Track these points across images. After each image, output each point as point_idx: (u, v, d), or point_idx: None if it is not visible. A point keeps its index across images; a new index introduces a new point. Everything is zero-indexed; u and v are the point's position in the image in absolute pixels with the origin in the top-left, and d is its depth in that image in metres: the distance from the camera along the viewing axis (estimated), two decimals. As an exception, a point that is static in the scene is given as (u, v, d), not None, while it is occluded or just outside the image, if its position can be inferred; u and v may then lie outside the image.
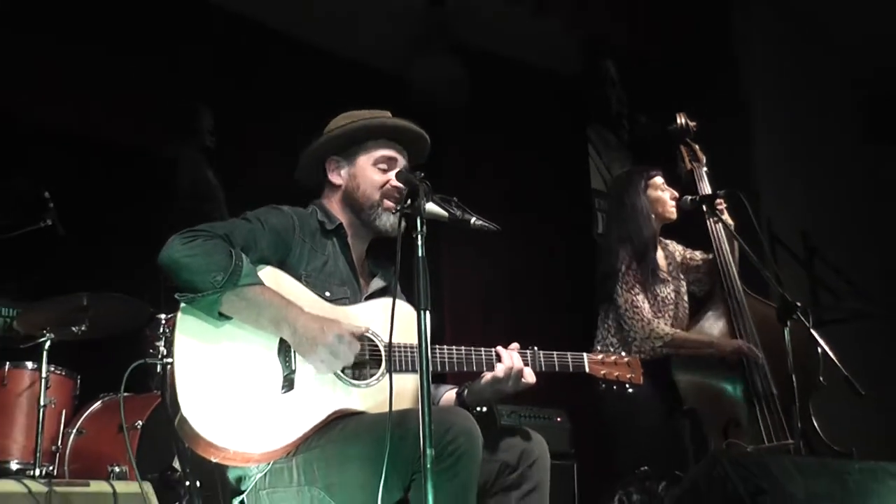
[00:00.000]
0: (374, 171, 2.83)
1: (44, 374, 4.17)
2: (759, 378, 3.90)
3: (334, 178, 2.87)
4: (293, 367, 2.47)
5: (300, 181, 2.96)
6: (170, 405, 2.43)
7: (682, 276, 4.32)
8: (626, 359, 2.90)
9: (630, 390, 2.86)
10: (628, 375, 2.86)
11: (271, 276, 2.56)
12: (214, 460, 2.43)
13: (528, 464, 2.56)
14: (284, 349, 2.50)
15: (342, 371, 2.51)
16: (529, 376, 2.67)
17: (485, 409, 2.71)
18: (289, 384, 2.45)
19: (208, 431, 2.35)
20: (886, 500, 2.67)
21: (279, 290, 2.53)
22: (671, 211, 4.27)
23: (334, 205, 2.87)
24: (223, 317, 2.45)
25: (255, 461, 2.47)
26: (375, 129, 2.86)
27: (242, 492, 2.56)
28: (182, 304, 2.46)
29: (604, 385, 2.83)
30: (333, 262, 2.75)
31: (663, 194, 4.27)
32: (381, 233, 2.83)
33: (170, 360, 2.47)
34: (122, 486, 3.70)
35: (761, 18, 6.82)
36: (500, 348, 2.69)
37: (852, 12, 6.73)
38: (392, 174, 2.79)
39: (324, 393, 2.48)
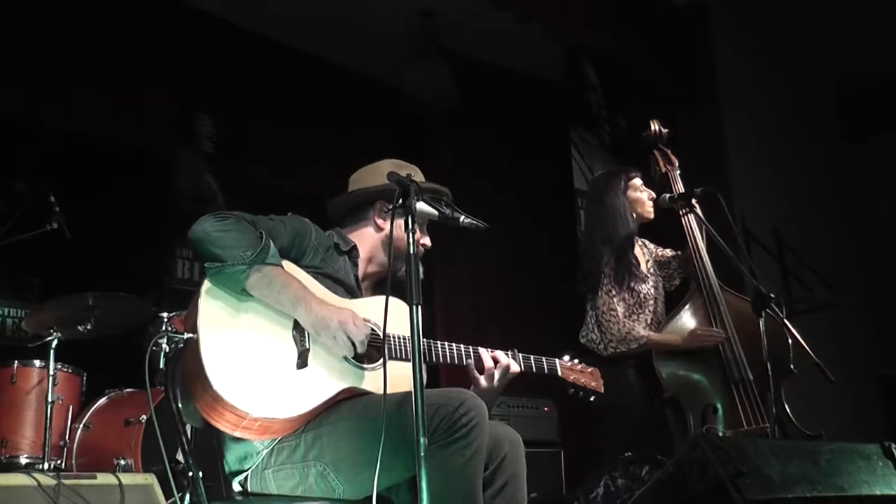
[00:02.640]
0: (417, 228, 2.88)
1: (51, 372, 4.24)
2: (735, 365, 4.01)
3: (381, 222, 2.95)
4: (307, 346, 2.57)
5: (330, 210, 3.04)
6: (190, 373, 2.49)
7: (659, 273, 4.43)
8: (589, 369, 3.09)
9: (592, 399, 3.04)
10: (592, 383, 3.06)
11: (287, 267, 2.67)
12: (228, 429, 2.49)
13: (499, 460, 2.62)
14: (299, 328, 2.60)
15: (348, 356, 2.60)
16: (514, 367, 2.85)
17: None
18: (303, 361, 2.56)
19: (232, 396, 2.41)
20: (855, 478, 2.70)
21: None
22: (649, 211, 4.38)
23: (365, 240, 2.96)
24: (245, 292, 2.55)
25: (272, 433, 2.54)
26: (426, 192, 2.84)
27: (244, 470, 2.62)
28: (206, 280, 2.55)
29: (572, 390, 3.01)
30: (344, 275, 2.85)
31: (642, 195, 4.37)
32: (398, 280, 2.87)
33: (191, 334, 2.50)
34: (127, 478, 3.74)
35: (737, 23, 6.92)
36: (480, 350, 2.83)
37: (824, 15, 6.84)
38: (425, 238, 2.94)
39: (335, 372, 2.59)
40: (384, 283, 2.92)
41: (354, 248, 2.93)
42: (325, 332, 2.55)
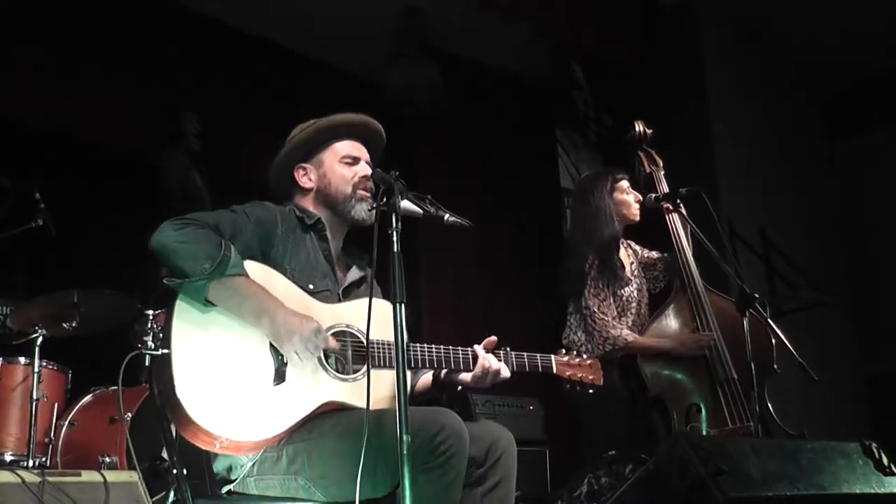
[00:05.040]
0: (341, 167, 2.93)
1: (36, 369, 4.22)
2: (719, 365, 4.03)
3: (304, 183, 2.95)
4: (285, 361, 2.54)
5: (273, 192, 3.02)
6: (163, 392, 2.47)
7: (643, 275, 4.44)
8: (588, 361, 3.05)
9: (591, 391, 3.02)
10: (590, 377, 3.02)
11: (260, 270, 2.63)
12: (205, 448, 2.50)
13: (495, 459, 2.64)
14: None
15: (327, 363, 2.58)
16: (505, 371, 2.83)
17: (459, 388, 2.87)
18: (280, 377, 2.53)
19: (203, 419, 2.40)
20: (837, 477, 2.72)
21: (267, 285, 2.59)
22: (635, 213, 4.39)
23: (308, 204, 2.94)
24: (209, 303, 2.51)
25: (246, 450, 2.54)
26: (335, 129, 2.96)
27: (232, 481, 2.64)
28: (179, 294, 2.52)
29: (568, 385, 2.99)
30: (314, 257, 2.82)
31: (628, 197, 4.39)
32: (357, 223, 2.92)
33: (165, 350, 2.47)
34: (112, 476, 3.64)
35: (723, 24, 6.93)
36: (476, 348, 2.81)
37: (808, 15, 6.88)
38: (357, 168, 2.92)
39: (313, 386, 2.55)
40: (344, 225, 2.96)
41: (319, 220, 2.90)
42: (287, 345, 2.52)
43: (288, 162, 2.98)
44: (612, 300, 4.23)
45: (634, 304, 4.32)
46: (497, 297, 6.85)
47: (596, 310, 4.16)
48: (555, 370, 2.97)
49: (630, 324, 4.26)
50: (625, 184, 4.43)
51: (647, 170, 4.51)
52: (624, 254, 4.39)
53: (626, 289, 4.30)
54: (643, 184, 4.50)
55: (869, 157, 7.83)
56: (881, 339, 7.37)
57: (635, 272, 4.41)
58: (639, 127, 4.61)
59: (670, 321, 4.21)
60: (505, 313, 6.68)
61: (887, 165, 7.71)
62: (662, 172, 4.51)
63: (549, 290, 4.58)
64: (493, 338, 2.87)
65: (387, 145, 3.13)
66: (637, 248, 4.54)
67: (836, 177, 7.85)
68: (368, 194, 2.87)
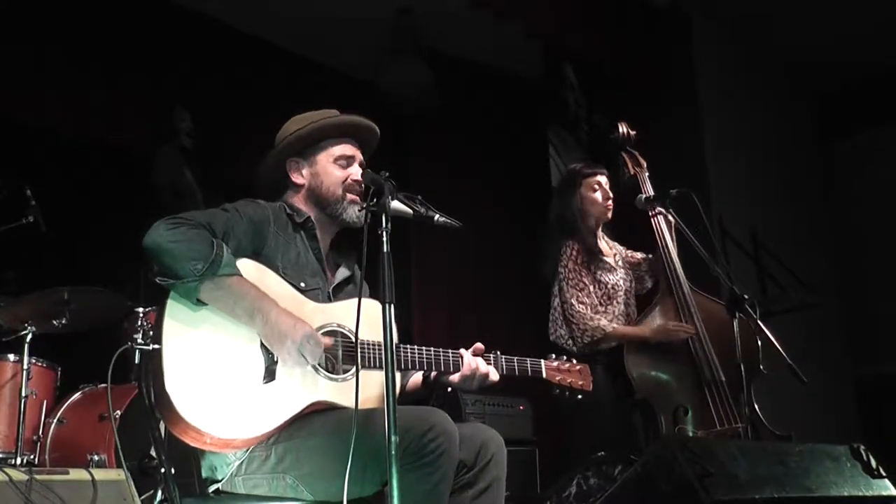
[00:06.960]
0: (334, 168, 2.94)
1: (25, 366, 4.22)
2: (707, 366, 4.03)
3: (296, 178, 2.96)
4: (275, 359, 2.54)
5: (262, 186, 3.03)
6: (153, 388, 2.48)
7: (628, 268, 4.44)
8: (577, 367, 3.04)
9: (580, 397, 3.00)
10: (580, 382, 3.01)
11: (253, 268, 2.63)
12: (193, 445, 2.50)
13: (484, 462, 2.63)
14: None
15: (318, 365, 2.58)
16: (493, 375, 2.83)
17: (449, 389, 2.87)
18: (270, 375, 2.53)
19: (192, 416, 2.41)
20: (824, 479, 2.74)
21: (261, 283, 2.59)
22: (602, 211, 4.37)
23: (299, 202, 2.95)
24: (200, 303, 2.52)
25: (234, 448, 2.54)
26: (330, 129, 2.96)
27: (219, 480, 2.64)
28: (171, 291, 2.52)
29: (557, 391, 2.98)
30: (305, 255, 2.83)
31: (595, 194, 4.37)
32: (348, 225, 2.92)
33: (156, 345, 2.48)
34: (100, 474, 3.61)
35: (715, 25, 6.96)
36: (463, 352, 2.81)
37: (801, 17, 6.90)
38: (351, 170, 2.93)
39: (303, 385, 2.56)
40: (334, 225, 2.97)
41: (309, 219, 2.91)
42: (280, 347, 2.53)
43: (281, 156, 2.98)
44: (592, 289, 4.23)
45: (622, 294, 4.32)
46: (489, 297, 6.84)
47: (574, 301, 4.16)
48: (544, 375, 2.96)
49: (618, 313, 4.27)
50: (594, 179, 4.41)
51: (632, 171, 4.50)
52: (604, 246, 4.40)
53: (612, 276, 4.30)
54: (628, 186, 4.48)
55: (861, 157, 7.86)
56: (872, 340, 7.39)
57: (620, 263, 4.41)
58: (622, 128, 4.61)
59: (656, 321, 4.20)
60: (496, 313, 6.67)
61: (880, 166, 7.74)
62: (647, 174, 4.50)
63: (542, 290, 4.58)
64: (480, 345, 2.87)
65: (382, 145, 3.13)
66: (620, 247, 4.54)
67: (828, 178, 7.87)
68: (358, 197, 2.87)
